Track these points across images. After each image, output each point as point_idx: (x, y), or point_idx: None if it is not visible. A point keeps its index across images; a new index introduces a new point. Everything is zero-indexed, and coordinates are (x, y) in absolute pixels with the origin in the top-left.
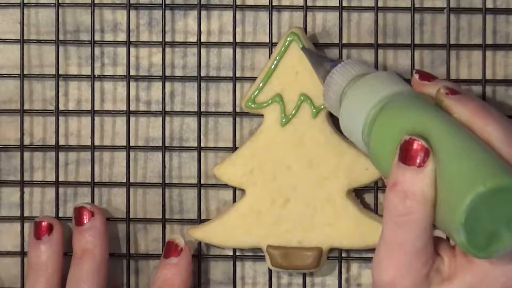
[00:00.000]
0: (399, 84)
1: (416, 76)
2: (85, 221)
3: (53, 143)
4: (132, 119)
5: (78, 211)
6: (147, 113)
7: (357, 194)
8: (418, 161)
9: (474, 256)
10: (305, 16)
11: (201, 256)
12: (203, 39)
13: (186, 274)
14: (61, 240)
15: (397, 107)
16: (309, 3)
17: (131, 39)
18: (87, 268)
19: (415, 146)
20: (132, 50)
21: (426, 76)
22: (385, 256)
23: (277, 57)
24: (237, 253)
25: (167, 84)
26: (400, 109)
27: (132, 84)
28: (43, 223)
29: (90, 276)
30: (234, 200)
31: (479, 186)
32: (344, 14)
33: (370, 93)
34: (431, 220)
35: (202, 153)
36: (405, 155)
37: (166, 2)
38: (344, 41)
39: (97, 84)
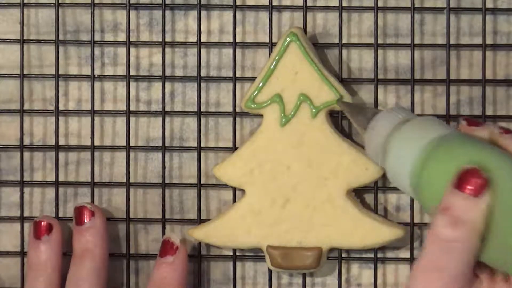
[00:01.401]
0: (447, 127)
1: (464, 123)
2: (86, 221)
3: (53, 143)
4: (132, 119)
5: (79, 210)
6: (147, 113)
7: (357, 194)
8: (474, 189)
9: None
10: (305, 16)
11: (201, 256)
12: (203, 39)
13: (182, 273)
14: (61, 240)
15: (452, 145)
16: (309, 3)
17: (131, 39)
18: (87, 268)
19: (473, 173)
20: (132, 50)
21: (475, 122)
22: (422, 276)
23: (277, 57)
24: (237, 253)
25: (167, 84)
26: (455, 146)
27: (132, 84)
28: (42, 223)
29: (90, 276)
30: (234, 200)
31: None
32: (344, 14)
33: (419, 136)
34: (475, 253)
35: (202, 153)
36: (462, 182)
37: (166, 2)
38: (344, 41)
39: (97, 84)
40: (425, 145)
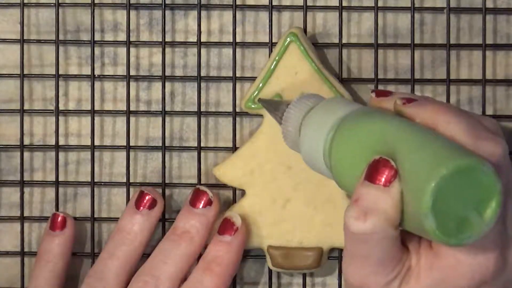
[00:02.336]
0: (353, 104)
1: (373, 95)
2: (201, 206)
3: (53, 143)
4: (132, 119)
5: (198, 193)
6: (147, 113)
7: None
8: (385, 180)
9: (444, 243)
10: (305, 16)
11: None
12: (203, 39)
13: (237, 255)
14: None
15: (353, 122)
16: (309, 3)
17: (131, 39)
18: (181, 250)
19: (381, 165)
20: (132, 50)
21: (383, 93)
22: (351, 263)
23: (277, 57)
24: None
25: (167, 84)
26: (356, 122)
27: (132, 84)
28: (147, 196)
29: (181, 259)
30: (234, 201)
31: (441, 169)
32: (344, 14)
33: (326, 117)
34: (395, 236)
35: (202, 153)
36: (372, 173)
37: (166, 2)
38: (344, 41)
39: (97, 84)
40: (331, 125)
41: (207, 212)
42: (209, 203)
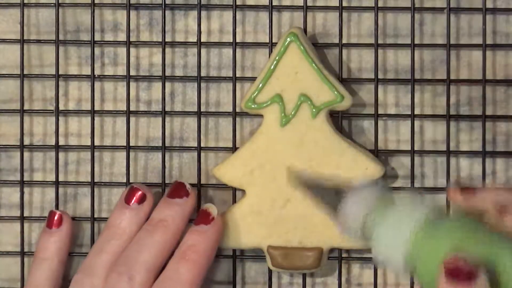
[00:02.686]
0: (430, 203)
1: (456, 191)
2: (177, 197)
3: (53, 143)
4: (132, 119)
5: (176, 185)
6: (147, 113)
7: None
8: (463, 279)
9: None
10: (305, 16)
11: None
12: (203, 39)
13: (212, 244)
14: (148, 212)
15: (442, 229)
16: (309, 3)
17: (131, 39)
18: (156, 239)
19: (459, 264)
20: (132, 50)
21: (470, 190)
22: None
23: (277, 58)
24: (237, 253)
25: (167, 84)
26: (445, 230)
27: (132, 84)
28: (138, 192)
29: (156, 247)
30: (234, 201)
31: None
32: (344, 14)
33: (406, 216)
34: None
35: (202, 153)
36: (451, 273)
37: (166, 2)
38: (344, 41)
39: (97, 84)
40: (413, 226)
41: (184, 203)
42: (186, 194)
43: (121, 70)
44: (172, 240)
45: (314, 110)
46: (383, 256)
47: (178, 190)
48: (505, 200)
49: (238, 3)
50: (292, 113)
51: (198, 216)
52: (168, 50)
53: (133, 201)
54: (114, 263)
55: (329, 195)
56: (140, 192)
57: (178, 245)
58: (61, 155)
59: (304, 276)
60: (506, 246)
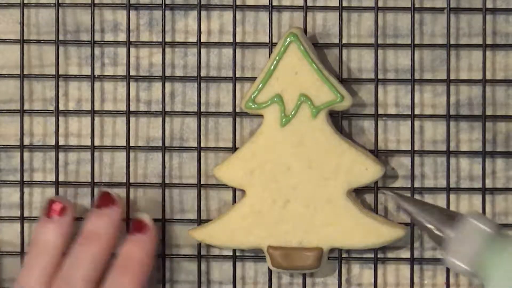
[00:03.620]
0: None
1: None
2: (105, 207)
3: (53, 143)
4: (132, 119)
5: (102, 195)
6: (147, 113)
7: (357, 194)
8: None
9: None
10: (305, 16)
11: (201, 256)
12: (203, 39)
13: (149, 251)
14: (71, 223)
15: None
16: (309, 3)
17: (131, 39)
18: (90, 252)
19: None
20: (132, 50)
21: None
22: None
23: (277, 58)
24: (237, 253)
25: (167, 84)
26: None
27: (132, 84)
28: (56, 203)
29: (91, 260)
30: (234, 201)
31: None
32: (344, 14)
33: None
34: None
35: (202, 153)
36: None
37: (166, 2)
38: (344, 41)
39: (97, 84)
40: None
41: (112, 212)
42: (113, 202)
43: (121, 70)
44: (107, 249)
45: (314, 110)
46: None
47: (104, 200)
48: None
49: (238, 3)
50: (292, 113)
51: (132, 226)
52: (168, 50)
53: (54, 214)
54: (51, 279)
55: (440, 218)
56: (58, 205)
57: (112, 253)
58: (61, 155)
59: (304, 276)
60: None
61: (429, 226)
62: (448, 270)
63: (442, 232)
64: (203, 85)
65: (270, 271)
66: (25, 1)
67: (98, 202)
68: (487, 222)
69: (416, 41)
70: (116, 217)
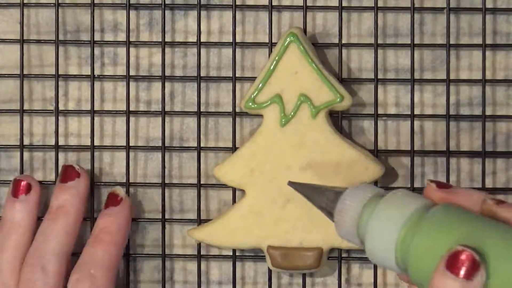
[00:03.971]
0: (421, 198)
1: (433, 185)
2: (69, 180)
3: (53, 143)
4: (132, 119)
5: (65, 169)
6: (147, 113)
7: None
8: (466, 272)
9: None
10: (305, 16)
11: (201, 256)
12: (203, 39)
13: (124, 223)
14: (38, 201)
15: (436, 222)
16: (309, 3)
17: (131, 39)
18: (59, 225)
19: (463, 257)
20: (132, 50)
21: (443, 184)
22: None
23: (276, 58)
24: (237, 253)
25: (167, 84)
26: (440, 223)
27: (132, 84)
28: (22, 182)
29: (60, 233)
30: (234, 201)
31: None
32: (344, 14)
33: (395, 213)
34: None
35: (202, 153)
36: (453, 264)
37: (166, 2)
38: (344, 41)
39: (97, 84)
40: (404, 221)
41: (77, 184)
42: (77, 175)
43: (121, 70)
44: (75, 222)
45: (314, 110)
46: (375, 254)
47: (68, 173)
48: (493, 196)
49: (238, 3)
50: (292, 113)
51: (107, 200)
52: (167, 50)
53: (20, 193)
54: (24, 257)
55: (329, 196)
56: (24, 182)
57: (80, 225)
58: (61, 155)
59: (304, 276)
60: (499, 236)
61: (322, 206)
62: None
63: (332, 209)
64: (203, 85)
65: (270, 271)
66: (25, 1)
67: (62, 176)
68: (368, 189)
69: (416, 41)
70: (81, 189)
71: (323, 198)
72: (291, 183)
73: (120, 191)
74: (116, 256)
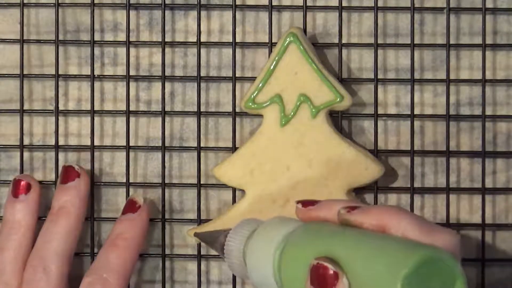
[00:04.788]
0: (291, 222)
1: (300, 205)
2: (70, 181)
3: (53, 143)
4: (132, 119)
5: (65, 169)
6: (147, 113)
7: (357, 194)
8: (328, 285)
9: None
10: (305, 16)
11: (201, 256)
12: (203, 39)
13: (141, 231)
14: (38, 200)
15: (297, 242)
16: (309, 3)
17: (131, 39)
18: (60, 226)
19: (321, 270)
20: (132, 50)
21: (309, 202)
22: None
23: (276, 58)
24: None
25: (167, 84)
26: (300, 242)
27: (132, 84)
28: (22, 182)
29: (62, 234)
30: (234, 201)
31: (402, 271)
32: (344, 14)
33: (267, 242)
34: None
35: (202, 153)
36: (315, 279)
37: (166, 2)
38: (344, 41)
39: (97, 84)
40: (275, 249)
41: (77, 184)
42: (77, 175)
43: (121, 70)
44: (76, 223)
45: (313, 110)
46: (259, 285)
47: (68, 173)
48: (349, 203)
49: (238, 3)
50: (292, 113)
51: (125, 206)
52: (168, 50)
53: (20, 193)
54: (25, 257)
55: (221, 240)
56: (24, 182)
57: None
58: (61, 155)
59: None
60: (354, 241)
61: (219, 251)
62: None
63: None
64: (203, 85)
65: None
66: (25, 1)
67: (62, 177)
68: (246, 225)
69: (416, 41)
70: (82, 189)
71: (218, 243)
72: (196, 234)
73: (139, 198)
74: (130, 262)
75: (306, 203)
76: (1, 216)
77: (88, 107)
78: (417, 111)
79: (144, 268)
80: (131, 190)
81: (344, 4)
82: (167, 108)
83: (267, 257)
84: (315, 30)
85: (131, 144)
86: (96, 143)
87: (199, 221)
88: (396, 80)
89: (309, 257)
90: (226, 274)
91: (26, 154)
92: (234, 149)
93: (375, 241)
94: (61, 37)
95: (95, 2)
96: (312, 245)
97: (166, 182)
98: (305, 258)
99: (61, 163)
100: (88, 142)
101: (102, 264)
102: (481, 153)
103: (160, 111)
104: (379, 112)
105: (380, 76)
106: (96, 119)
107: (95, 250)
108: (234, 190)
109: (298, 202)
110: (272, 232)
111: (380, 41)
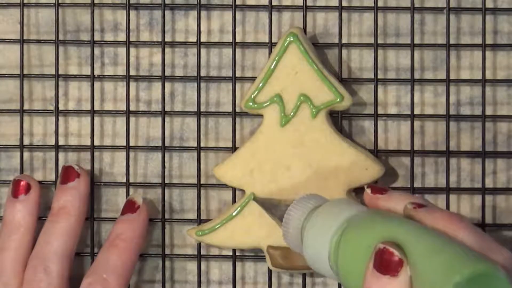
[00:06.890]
0: (355, 205)
1: (369, 191)
2: (70, 181)
3: (53, 143)
4: (132, 119)
5: (65, 170)
6: (147, 113)
7: (357, 194)
8: (391, 269)
9: None
10: (305, 16)
11: (201, 256)
12: (203, 39)
13: (140, 231)
14: (38, 201)
15: (361, 225)
16: (309, 3)
17: (131, 39)
18: (61, 226)
19: (387, 255)
20: (132, 50)
21: (379, 190)
22: None
23: (277, 58)
24: (237, 253)
25: (167, 84)
26: (364, 225)
27: (132, 84)
28: (21, 182)
29: (62, 234)
30: (234, 201)
31: (455, 276)
32: (344, 14)
33: (329, 220)
34: None
35: (202, 153)
36: (379, 263)
37: (166, 2)
38: (344, 41)
39: (97, 84)
40: (336, 229)
41: (77, 184)
42: (77, 175)
43: (121, 70)
44: (77, 223)
45: (314, 110)
46: (311, 260)
47: (68, 174)
48: (416, 199)
49: (238, 3)
50: (292, 113)
51: (125, 206)
52: (168, 50)
53: (19, 193)
54: (25, 257)
55: (282, 208)
56: (23, 182)
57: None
58: (61, 155)
59: (304, 276)
60: (418, 233)
61: (277, 218)
62: None
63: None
64: (203, 85)
65: (270, 271)
66: (25, 1)
67: (62, 177)
68: (311, 199)
69: (417, 41)
70: (82, 189)
71: (278, 209)
72: (255, 199)
73: (138, 198)
74: (130, 262)
75: (375, 190)
76: (1, 216)
77: (88, 107)
78: (417, 111)
79: (144, 268)
80: (131, 190)
81: (344, 4)
82: (167, 108)
83: (326, 234)
84: (315, 30)
85: (131, 144)
86: (96, 143)
87: (199, 221)
88: (396, 80)
89: (372, 241)
90: (226, 274)
91: (26, 154)
92: (234, 149)
93: (439, 240)
94: (61, 37)
95: (95, 2)
96: (376, 230)
97: (166, 182)
98: (368, 241)
99: (61, 163)
100: (88, 142)
101: (102, 265)
102: (481, 153)
103: (160, 111)
104: (379, 112)
105: (380, 76)
106: (96, 119)
107: (95, 250)
108: (234, 190)
109: (368, 186)
110: (336, 211)
111: (380, 41)
